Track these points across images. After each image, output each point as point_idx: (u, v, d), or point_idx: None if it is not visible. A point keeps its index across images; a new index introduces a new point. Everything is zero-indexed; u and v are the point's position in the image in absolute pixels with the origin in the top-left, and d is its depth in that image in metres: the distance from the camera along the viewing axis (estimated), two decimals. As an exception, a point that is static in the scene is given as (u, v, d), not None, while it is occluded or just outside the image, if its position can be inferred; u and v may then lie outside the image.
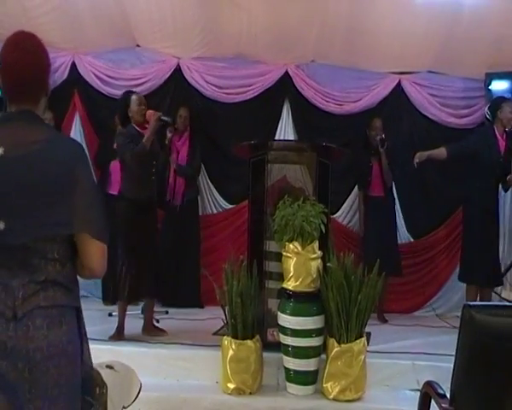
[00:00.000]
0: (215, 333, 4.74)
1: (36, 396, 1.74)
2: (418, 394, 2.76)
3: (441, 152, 5.31)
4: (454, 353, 2.36)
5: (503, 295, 5.59)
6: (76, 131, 6.34)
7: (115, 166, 5.85)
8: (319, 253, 4.01)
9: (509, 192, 5.66)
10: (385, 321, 5.53)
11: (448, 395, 2.42)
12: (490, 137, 5.21)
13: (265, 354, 4.12)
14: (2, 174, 1.77)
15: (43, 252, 1.79)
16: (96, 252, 1.83)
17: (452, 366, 2.37)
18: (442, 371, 3.64)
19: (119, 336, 4.67)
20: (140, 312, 5.40)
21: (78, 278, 1.92)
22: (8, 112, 1.87)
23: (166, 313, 5.57)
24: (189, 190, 6.00)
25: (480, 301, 5.03)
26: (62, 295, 1.81)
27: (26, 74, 1.83)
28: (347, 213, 6.25)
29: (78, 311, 1.88)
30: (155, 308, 5.48)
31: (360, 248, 5.68)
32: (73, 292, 1.85)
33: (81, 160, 1.86)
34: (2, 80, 1.85)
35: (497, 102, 5.32)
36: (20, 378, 1.72)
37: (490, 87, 5.82)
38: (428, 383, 2.60)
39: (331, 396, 3.91)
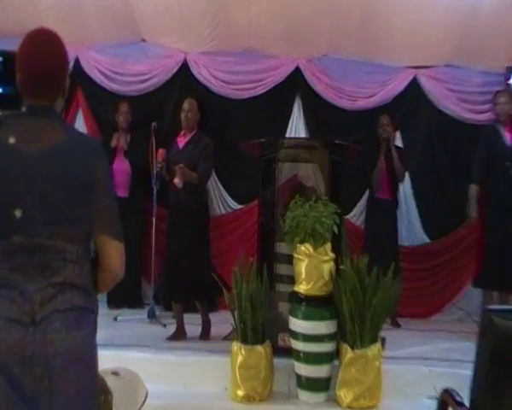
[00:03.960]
0: (224, 338, 4.76)
1: (56, 403, 1.76)
2: (435, 402, 2.75)
3: (473, 189, 5.25)
4: (473, 359, 2.36)
5: None
6: (78, 129, 6.36)
7: (119, 166, 5.87)
8: (332, 255, 4.01)
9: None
10: (398, 326, 5.51)
11: (467, 404, 2.41)
12: (493, 132, 5.22)
13: (276, 360, 4.13)
14: (13, 164, 1.80)
15: (62, 252, 1.81)
16: (116, 253, 1.89)
17: (471, 372, 2.37)
18: (461, 379, 3.60)
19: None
20: (146, 316, 5.43)
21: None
22: (27, 106, 1.90)
23: (174, 317, 5.58)
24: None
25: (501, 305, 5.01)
26: (80, 297, 1.84)
27: (46, 70, 1.87)
28: (361, 214, 6.22)
29: (95, 315, 1.90)
30: (163, 313, 5.50)
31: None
32: (91, 295, 1.88)
33: (100, 160, 1.90)
34: (21, 75, 1.89)
35: (494, 96, 5.33)
36: (39, 388, 1.74)
37: (510, 81, 5.79)
38: (446, 391, 2.59)
39: (344, 404, 3.91)
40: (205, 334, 4.98)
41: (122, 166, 5.92)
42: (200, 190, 5.04)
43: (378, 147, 5.72)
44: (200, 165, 4.93)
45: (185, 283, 4.81)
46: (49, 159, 1.81)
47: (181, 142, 5.05)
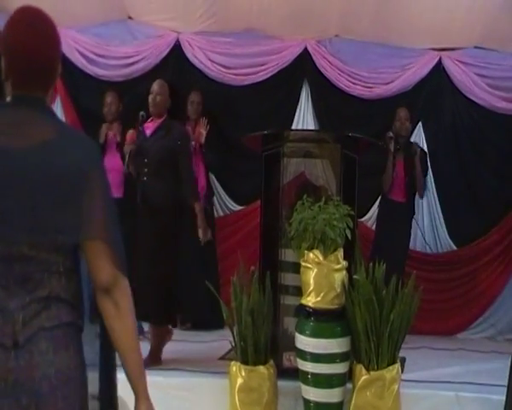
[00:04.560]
0: (221, 358, 4.76)
1: None
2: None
3: None
4: (506, 383, 2.36)
5: None
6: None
7: (112, 163, 5.88)
8: (344, 263, 4.00)
9: None
10: None
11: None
12: None
13: (281, 383, 4.12)
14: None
15: (46, 264, 1.79)
16: (106, 265, 1.83)
17: (504, 398, 2.37)
18: (492, 405, 3.63)
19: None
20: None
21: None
22: (14, 97, 1.87)
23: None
24: (209, 191, 6.03)
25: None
26: (67, 312, 1.83)
27: (41, 56, 1.85)
28: (377, 217, 6.24)
29: (81, 332, 1.90)
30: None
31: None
32: (78, 310, 1.88)
33: (96, 161, 1.88)
34: (8, 62, 1.85)
35: None
36: None
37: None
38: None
39: (358, 433, 3.91)
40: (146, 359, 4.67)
41: (114, 161, 5.91)
42: (173, 188, 4.77)
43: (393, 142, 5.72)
44: (184, 165, 4.79)
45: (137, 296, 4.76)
46: (36, 157, 1.78)
47: (148, 128, 4.98)
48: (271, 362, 4.10)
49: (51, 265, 1.80)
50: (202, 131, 5.89)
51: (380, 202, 5.96)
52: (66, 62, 6.31)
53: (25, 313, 1.76)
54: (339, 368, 3.96)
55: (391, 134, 5.66)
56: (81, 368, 1.85)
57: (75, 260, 1.85)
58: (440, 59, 6.19)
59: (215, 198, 6.33)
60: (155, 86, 4.97)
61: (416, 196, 5.87)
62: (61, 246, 1.80)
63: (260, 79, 6.27)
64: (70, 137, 1.88)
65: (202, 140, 5.88)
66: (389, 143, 5.64)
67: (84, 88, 6.41)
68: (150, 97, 4.94)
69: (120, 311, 1.88)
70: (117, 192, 5.93)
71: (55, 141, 1.81)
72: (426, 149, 6.05)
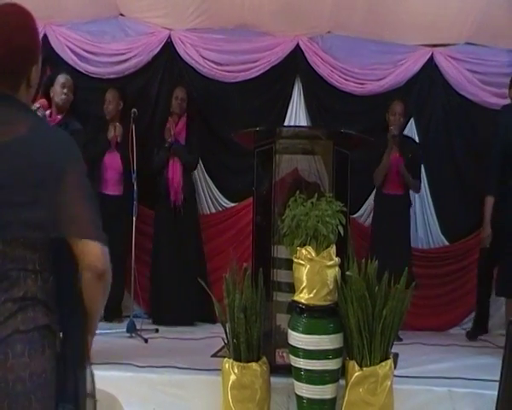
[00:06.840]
0: (214, 355, 4.75)
1: None
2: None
3: (489, 202, 5.28)
4: (498, 378, 2.35)
5: None
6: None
7: (111, 162, 5.85)
8: (337, 259, 4.00)
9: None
10: (399, 339, 5.49)
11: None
12: (510, 118, 5.21)
13: (273, 380, 4.11)
14: None
15: (22, 262, 1.78)
16: (97, 250, 1.78)
17: (497, 393, 2.36)
18: (484, 400, 3.63)
19: None
20: (125, 330, 5.42)
21: None
22: None
23: (156, 331, 5.58)
24: (186, 186, 6.01)
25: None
26: (44, 314, 1.80)
27: (4, 53, 1.82)
28: (370, 213, 6.22)
29: (60, 332, 1.86)
30: (145, 326, 5.50)
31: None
32: (54, 313, 1.84)
33: (71, 155, 1.84)
34: None
35: None
36: None
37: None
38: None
39: (351, 429, 3.90)
40: None
41: (113, 160, 5.88)
42: None
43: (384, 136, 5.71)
44: None
45: None
46: (5, 153, 1.77)
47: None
48: (264, 359, 4.09)
49: (27, 263, 1.78)
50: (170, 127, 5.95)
51: (375, 199, 5.94)
52: (57, 59, 6.30)
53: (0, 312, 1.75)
54: (331, 364, 3.95)
55: (394, 131, 5.65)
56: (56, 371, 1.82)
57: (52, 259, 1.83)
58: (432, 55, 6.19)
59: (207, 195, 6.32)
60: (62, 80, 5.16)
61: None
62: (35, 242, 1.78)
63: (252, 76, 6.26)
64: (43, 132, 1.86)
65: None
66: (392, 140, 5.59)
67: (76, 85, 6.34)
68: (60, 97, 5.09)
69: (105, 293, 1.86)
70: (116, 190, 5.92)
71: (26, 137, 1.79)
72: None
